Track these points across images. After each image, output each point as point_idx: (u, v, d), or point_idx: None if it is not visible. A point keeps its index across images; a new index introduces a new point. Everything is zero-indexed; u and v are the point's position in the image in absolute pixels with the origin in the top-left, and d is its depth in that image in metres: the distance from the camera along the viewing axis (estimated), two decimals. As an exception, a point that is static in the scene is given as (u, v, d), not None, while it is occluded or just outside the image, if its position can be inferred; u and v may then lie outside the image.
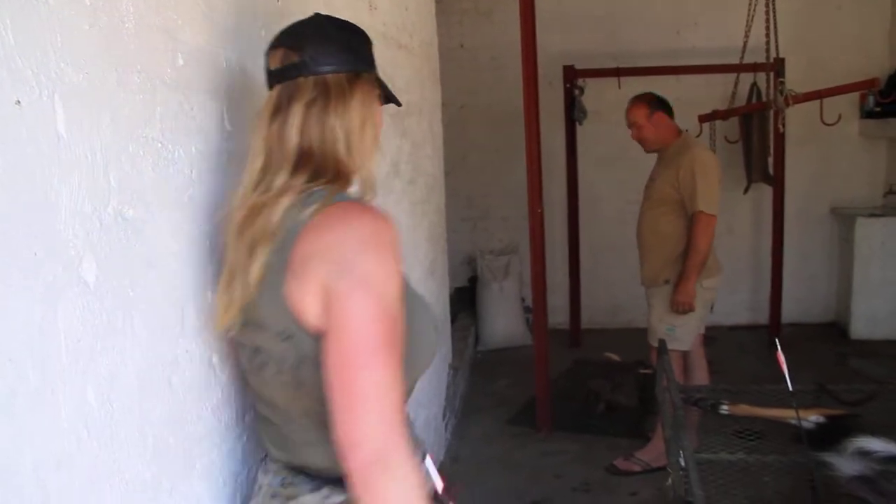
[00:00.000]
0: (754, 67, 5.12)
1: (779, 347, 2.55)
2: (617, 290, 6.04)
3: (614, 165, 6.10)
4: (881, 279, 5.67)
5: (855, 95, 5.56)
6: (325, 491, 1.32)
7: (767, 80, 4.57)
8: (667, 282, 3.66)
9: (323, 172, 1.30)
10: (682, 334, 3.64)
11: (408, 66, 3.37)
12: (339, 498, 1.30)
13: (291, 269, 1.21)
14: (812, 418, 2.72)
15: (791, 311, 5.86)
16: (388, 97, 1.47)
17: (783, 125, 4.89)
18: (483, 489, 3.71)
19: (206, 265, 1.45)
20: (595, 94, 5.73)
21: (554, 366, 4.50)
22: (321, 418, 1.21)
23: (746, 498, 2.46)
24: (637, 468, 3.84)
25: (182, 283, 1.37)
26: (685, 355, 3.75)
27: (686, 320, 3.62)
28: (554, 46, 5.66)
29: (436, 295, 3.91)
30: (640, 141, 3.84)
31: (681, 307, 3.56)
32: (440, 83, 4.33)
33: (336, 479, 1.27)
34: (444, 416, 4.03)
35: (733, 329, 5.87)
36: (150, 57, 1.28)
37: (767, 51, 4.44)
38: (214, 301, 1.36)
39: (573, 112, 5.72)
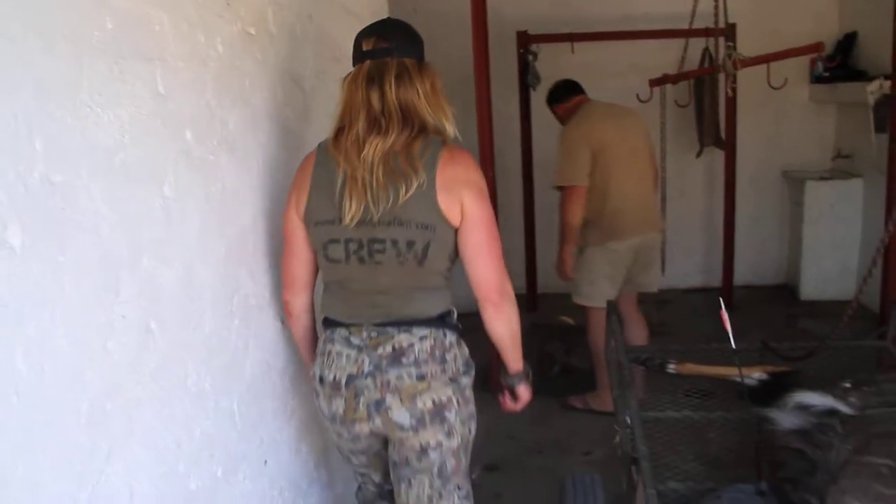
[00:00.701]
0: (706, 32, 5.16)
1: (722, 306, 2.60)
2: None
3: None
4: (830, 241, 5.79)
5: (805, 60, 5.63)
6: (415, 330, 1.91)
7: (717, 45, 4.61)
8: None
9: (424, 128, 1.87)
10: (588, 292, 3.92)
11: (354, 31, 3.32)
12: (424, 331, 1.92)
13: (442, 186, 1.83)
14: (755, 375, 2.79)
15: (743, 273, 5.98)
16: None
17: (733, 90, 4.95)
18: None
19: (140, 230, 1.43)
20: (549, 60, 5.71)
21: (509, 330, 4.53)
22: (425, 285, 1.94)
23: (692, 453, 2.53)
24: (579, 405, 4.17)
25: (116, 248, 1.36)
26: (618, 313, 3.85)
27: (591, 278, 3.88)
28: (508, 12, 5.62)
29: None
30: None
31: (558, 273, 3.97)
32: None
33: (423, 322, 1.92)
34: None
35: (687, 292, 5.97)
36: (77, 21, 1.25)
37: (716, 15, 4.47)
38: (343, 203, 1.85)
39: (527, 77, 5.71)
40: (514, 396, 2.31)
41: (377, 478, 2.17)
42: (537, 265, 6.11)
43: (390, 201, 1.82)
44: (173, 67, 1.57)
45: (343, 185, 1.85)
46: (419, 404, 1.89)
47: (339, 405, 1.93)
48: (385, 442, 2.03)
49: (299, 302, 2.06)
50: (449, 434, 1.95)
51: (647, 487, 2.03)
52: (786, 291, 6.17)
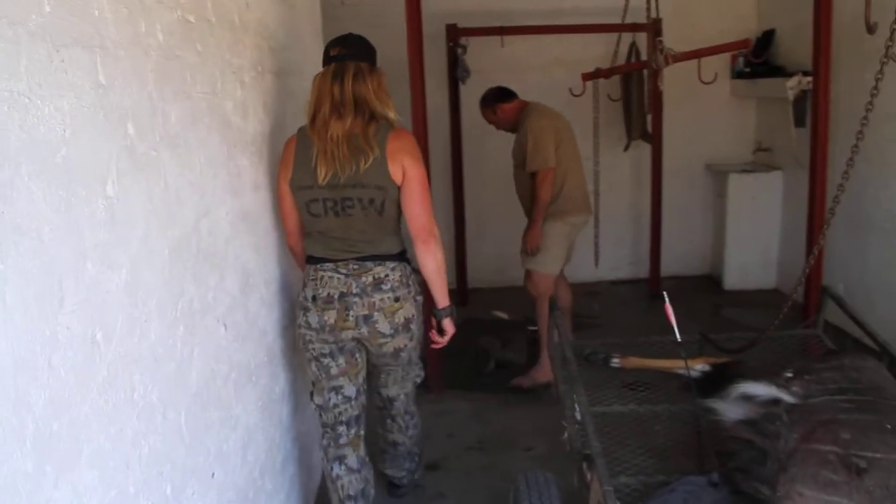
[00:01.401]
0: (633, 27, 5.23)
1: (667, 300, 2.61)
2: (503, 248, 6.07)
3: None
4: (752, 232, 5.96)
5: (726, 57, 5.76)
6: (387, 263, 2.60)
7: (648, 40, 4.66)
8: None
9: (373, 115, 2.53)
10: (544, 259, 4.30)
11: (289, 22, 3.22)
12: (393, 264, 2.61)
13: (391, 157, 2.49)
14: (698, 367, 2.82)
15: (670, 264, 6.09)
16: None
17: (661, 84, 5.02)
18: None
19: (85, 232, 1.32)
20: (478, 53, 5.69)
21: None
22: (386, 230, 2.60)
23: (641, 447, 2.53)
24: (526, 384, 4.34)
25: (59, 254, 1.24)
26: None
27: (548, 247, 4.28)
28: (436, 5, 5.55)
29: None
30: (500, 129, 4.56)
31: (529, 247, 4.25)
32: (322, 41, 4.17)
33: (389, 257, 2.61)
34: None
35: (615, 283, 6.06)
36: (11, 3, 1.13)
37: (648, 10, 4.52)
38: (317, 170, 2.50)
39: (456, 71, 5.67)
40: (441, 331, 2.78)
41: (350, 391, 2.73)
42: (467, 260, 6.08)
43: (353, 169, 2.48)
44: (114, 55, 1.45)
45: (316, 158, 2.50)
46: (396, 319, 2.63)
47: (330, 315, 2.58)
48: (362, 349, 2.72)
49: (299, 245, 2.74)
50: (412, 338, 2.73)
51: (603, 484, 2.02)
52: (710, 281, 6.33)
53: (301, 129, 2.60)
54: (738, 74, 5.96)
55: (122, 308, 1.45)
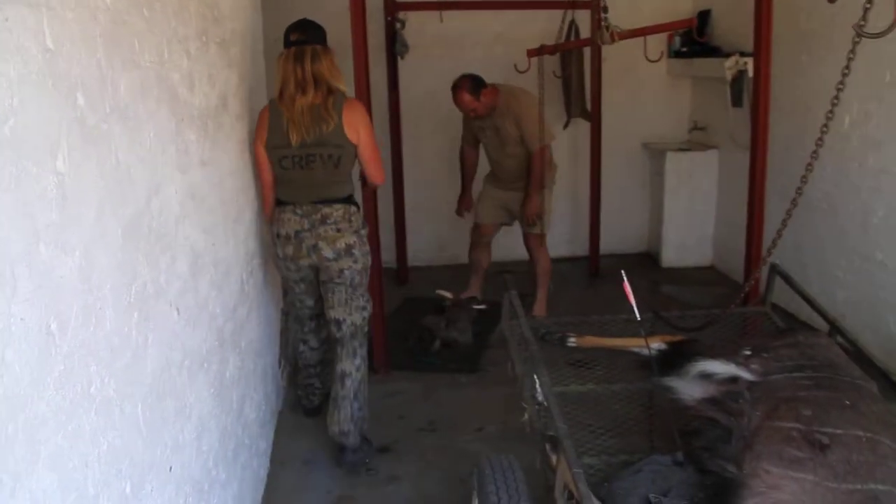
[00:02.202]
0: (573, 5, 5.20)
1: (625, 279, 2.58)
2: (441, 226, 6.04)
3: (436, 99, 6.03)
4: (688, 210, 6.04)
5: (664, 36, 5.79)
6: (334, 205, 3.27)
7: (592, 18, 4.64)
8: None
9: (330, 90, 3.19)
10: (547, 222, 4.96)
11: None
12: (338, 205, 3.28)
13: (346, 123, 3.17)
14: (654, 345, 2.81)
15: (608, 242, 6.11)
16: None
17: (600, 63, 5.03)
18: (327, 436, 3.58)
19: (36, 212, 1.19)
20: (417, 28, 5.57)
21: (385, 304, 4.41)
22: (340, 179, 3.27)
23: (600, 427, 2.52)
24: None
25: (9, 237, 1.12)
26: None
27: (549, 210, 4.96)
28: (375, -22, 5.43)
29: (265, 238, 3.67)
30: (478, 115, 4.75)
31: (533, 217, 4.80)
32: (262, 12, 4.01)
33: (336, 200, 3.28)
34: (279, 364, 3.84)
35: (555, 261, 6.05)
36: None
37: (592, -13, 4.48)
38: (287, 133, 3.17)
39: (395, 46, 5.55)
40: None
41: (310, 302, 3.59)
42: (407, 239, 6.00)
43: (317, 133, 3.17)
44: (61, 17, 1.32)
45: (287, 125, 3.18)
46: (338, 245, 3.28)
47: (290, 249, 3.31)
48: (316, 273, 3.39)
49: (272, 195, 3.36)
50: (355, 261, 3.33)
51: (572, 466, 1.98)
52: (648, 259, 6.40)
53: (272, 101, 3.28)
54: (674, 54, 5.99)
55: (77, 294, 1.33)
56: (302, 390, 3.83)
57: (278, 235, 3.31)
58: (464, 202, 5.19)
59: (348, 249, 3.29)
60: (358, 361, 3.41)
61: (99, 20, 1.49)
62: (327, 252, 3.27)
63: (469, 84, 4.61)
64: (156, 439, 1.71)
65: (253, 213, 3.32)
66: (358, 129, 3.21)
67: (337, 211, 3.27)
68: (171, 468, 1.81)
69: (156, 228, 1.81)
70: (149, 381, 1.69)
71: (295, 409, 3.85)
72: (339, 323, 3.39)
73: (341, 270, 3.31)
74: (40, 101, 1.24)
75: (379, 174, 3.42)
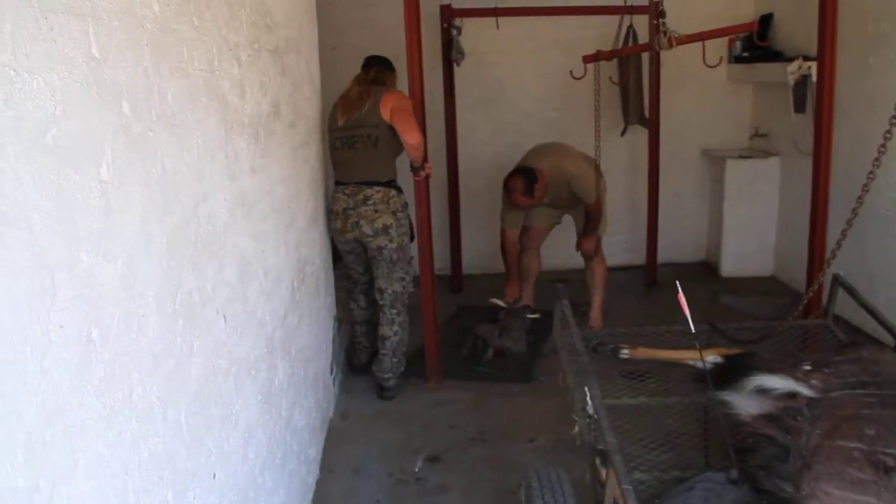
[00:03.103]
0: (630, 10, 5.12)
1: (680, 290, 2.50)
2: (496, 234, 5.98)
3: (492, 106, 6.01)
4: (749, 218, 5.88)
5: (723, 41, 5.66)
6: (374, 187, 3.90)
7: (650, 23, 4.56)
8: None
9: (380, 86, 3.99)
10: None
11: (285, -2, 3.10)
12: (378, 187, 3.90)
13: (381, 104, 3.84)
14: (710, 358, 2.72)
15: (666, 251, 5.99)
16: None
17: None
18: (377, 444, 3.58)
19: (78, 220, 1.20)
20: (473, 35, 5.57)
21: (438, 313, 4.40)
22: (381, 161, 3.92)
23: (654, 441, 2.44)
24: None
25: (51, 245, 1.12)
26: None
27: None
28: (430, -15, 5.43)
29: (318, 244, 3.69)
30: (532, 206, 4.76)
31: (588, 252, 4.89)
32: (316, 20, 4.04)
33: (377, 183, 3.91)
34: (331, 370, 3.86)
35: (612, 270, 5.96)
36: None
37: (650, -9, 4.40)
38: (336, 116, 3.95)
39: (451, 53, 5.54)
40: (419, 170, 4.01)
41: (359, 269, 4.22)
42: (462, 246, 5.98)
43: (357, 115, 3.87)
44: (107, 26, 1.33)
45: (339, 109, 3.96)
46: (375, 224, 3.88)
47: (338, 223, 3.95)
48: (363, 247, 4.01)
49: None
50: (391, 241, 3.93)
51: (621, 483, 1.92)
52: (707, 268, 6.25)
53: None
54: (735, 59, 5.84)
55: (119, 302, 1.33)
56: (351, 348, 4.42)
57: (331, 211, 3.98)
58: (514, 288, 4.94)
59: (385, 229, 3.89)
60: (396, 328, 4.08)
61: (146, 28, 1.51)
62: (367, 229, 3.89)
63: (522, 186, 4.52)
64: (199, 447, 1.71)
65: (306, 219, 3.34)
66: (389, 106, 3.79)
67: (377, 193, 3.88)
68: (215, 475, 1.81)
69: (203, 236, 1.82)
70: (193, 389, 1.70)
71: (345, 417, 3.86)
72: (381, 291, 4.07)
73: (379, 248, 3.93)
74: (84, 110, 1.25)
75: (411, 135, 3.77)
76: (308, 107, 3.61)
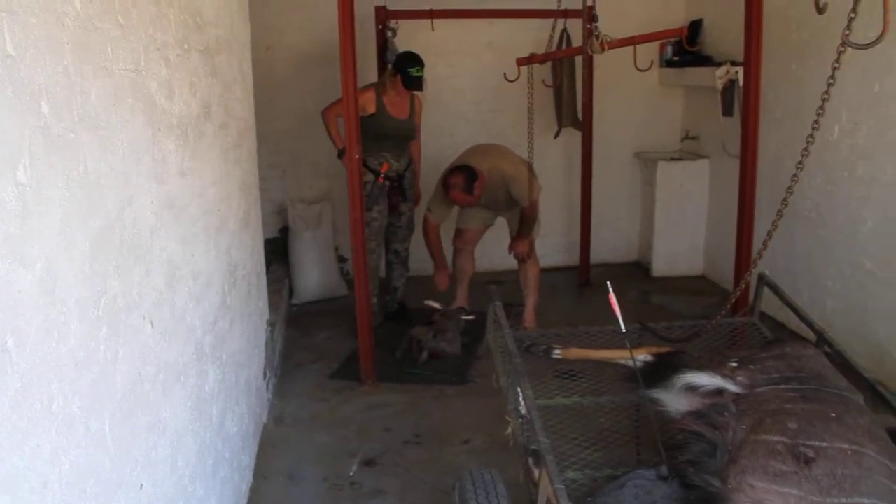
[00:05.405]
0: (565, 14, 5.18)
1: (611, 290, 2.55)
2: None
3: (427, 108, 6.01)
4: (679, 219, 6.03)
5: (655, 46, 5.78)
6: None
7: (584, 27, 4.63)
8: None
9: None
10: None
11: (215, -3, 3.04)
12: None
13: (416, 107, 5.11)
14: (640, 357, 2.77)
15: (599, 251, 6.09)
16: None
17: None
18: (312, 448, 3.55)
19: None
20: (408, 37, 5.56)
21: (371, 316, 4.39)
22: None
23: (585, 440, 2.48)
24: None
25: (-38, 250, 1.08)
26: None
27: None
28: (365, -15, 5.41)
29: (250, 248, 3.63)
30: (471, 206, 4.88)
31: (521, 255, 4.93)
32: (248, 20, 3.98)
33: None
34: (264, 375, 3.80)
35: (546, 271, 6.02)
36: None
37: (584, -4, 4.46)
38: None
39: (385, 54, 5.53)
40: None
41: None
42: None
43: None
44: (24, 23, 1.29)
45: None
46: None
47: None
48: None
49: None
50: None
51: (553, 482, 1.95)
52: (639, 268, 6.37)
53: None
54: (667, 63, 5.98)
55: (37, 309, 1.29)
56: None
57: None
58: (443, 275, 5.12)
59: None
60: (406, 244, 5.34)
61: (67, 26, 1.46)
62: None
63: (462, 183, 4.61)
64: (125, 456, 1.67)
65: (237, 223, 3.28)
66: (417, 110, 5.11)
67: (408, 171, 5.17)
68: (142, 486, 1.77)
69: (129, 240, 1.77)
70: (118, 397, 1.65)
71: (279, 423, 3.81)
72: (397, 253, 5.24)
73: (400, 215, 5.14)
74: (-1, 110, 1.20)
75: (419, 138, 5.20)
76: (240, 108, 3.55)
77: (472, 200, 4.70)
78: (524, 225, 4.84)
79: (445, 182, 4.70)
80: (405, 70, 4.75)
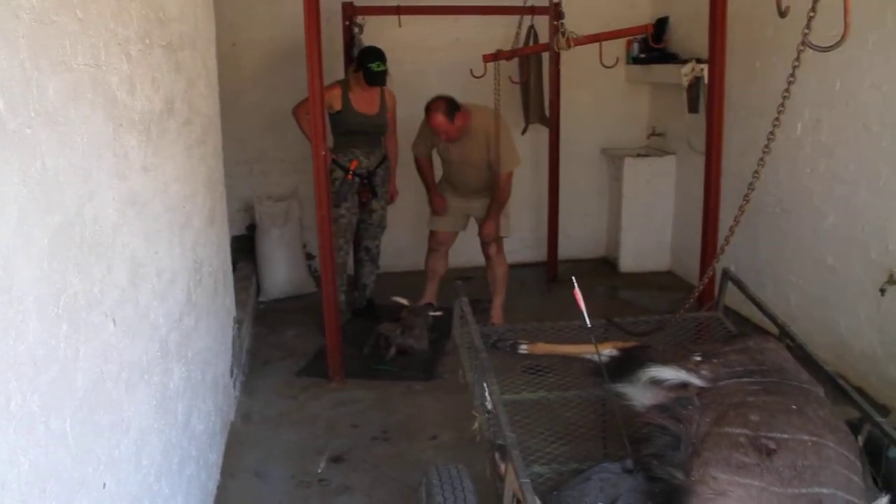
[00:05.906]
0: (532, 10, 5.20)
1: (576, 286, 2.56)
2: (400, 232, 5.99)
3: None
4: (646, 215, 6.08)
5: (621, 43, 5.83)
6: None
7: (550, 24, 4.65)
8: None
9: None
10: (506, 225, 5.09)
11: (178, -9, 3.00)
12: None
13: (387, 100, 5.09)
14: (606, 352, 2.80)
15: (566, 247, 6.13)
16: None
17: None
18: (279, 446, 3.53)
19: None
20: (375, 33, 5.54)
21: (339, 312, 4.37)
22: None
23: (551, 435, 2.50)
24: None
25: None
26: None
27: (507, 215, 5.08)
28: (331, -19, 5.38)
29: (216, 245, 3.60)
30: (449, 139, 4.70)
31: (494, 237, 4.94)
32: (213, 15, 3.94)
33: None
34: (231, 373, 3.77)
35: (514, 267, 6.04)
36: None
37: (550, -7, 4.49)
38: None
39: (353, 51, 5.51)
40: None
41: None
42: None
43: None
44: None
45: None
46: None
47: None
48: None
49: None
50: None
51: (519, 477, 1.96)
52: (606, 264, 6.42)
53: None
54: (633, 60, 6.03)
55: (-6, 307, 1.27)
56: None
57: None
58: (437, 202, 5.05)
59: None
60: (378, 241, 5.34)
61: (22, 19, 1.43)
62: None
63: (444, 106, 4.57)
64: (87, 455, 1.65)
65: (202, 219, 3.25)
66: (390, 105, 5.06)
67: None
68: (105, 484, 1.74)
69: (89, 237, 1.75)
70: (80, 395, 1.63)
71: (247, 420, 3.79)
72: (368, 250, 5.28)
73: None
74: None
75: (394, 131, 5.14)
76: (204, 104, 3.52)
77: (451, 130, 4.60)
78: (494, 201, 4.82)
79: (428, 106, 4.66)
80: (366, 65, 4.76)
